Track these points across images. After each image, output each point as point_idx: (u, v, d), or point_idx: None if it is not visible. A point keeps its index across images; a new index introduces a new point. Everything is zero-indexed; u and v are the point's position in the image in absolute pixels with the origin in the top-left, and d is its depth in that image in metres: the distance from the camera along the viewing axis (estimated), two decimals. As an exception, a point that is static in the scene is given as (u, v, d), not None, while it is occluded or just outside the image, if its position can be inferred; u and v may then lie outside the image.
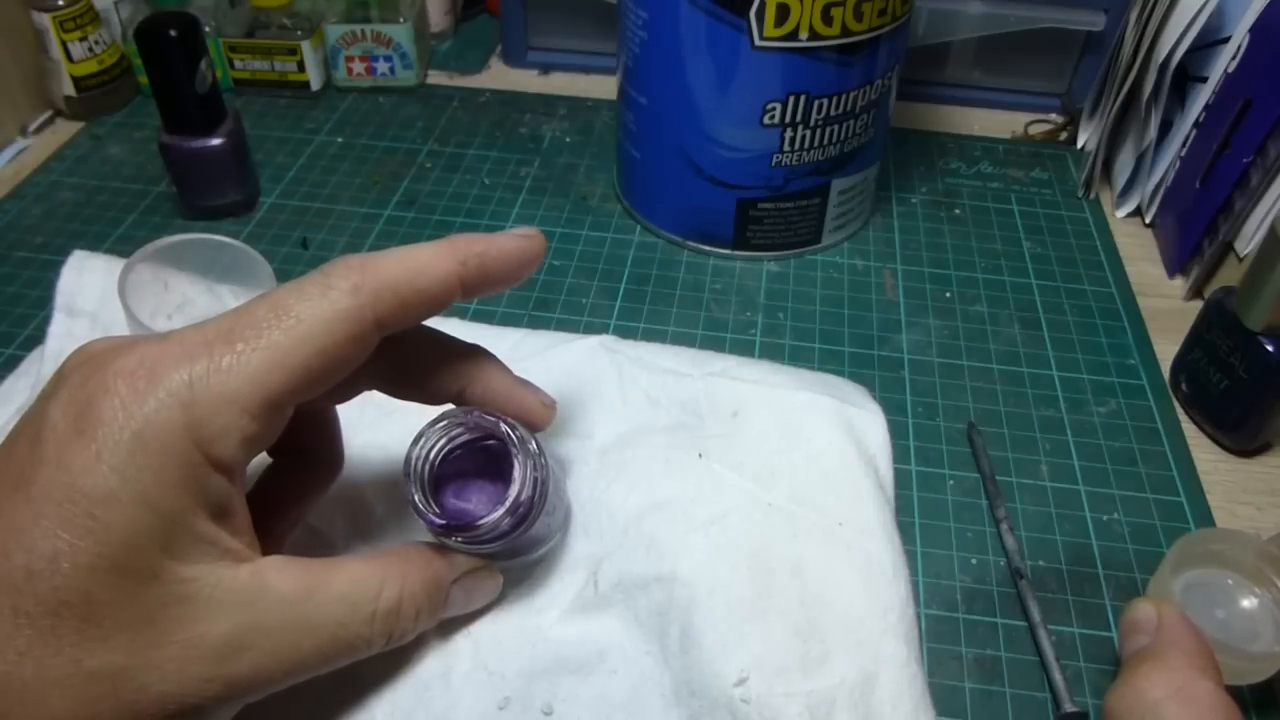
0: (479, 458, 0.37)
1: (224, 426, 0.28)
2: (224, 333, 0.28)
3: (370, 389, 0.36)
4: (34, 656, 0.25)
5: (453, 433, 0.36)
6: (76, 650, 0.26)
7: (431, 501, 0.35)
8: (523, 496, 0.35)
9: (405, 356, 0.35)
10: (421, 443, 0.35)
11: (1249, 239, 0.54)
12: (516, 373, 0.49)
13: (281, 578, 0.30)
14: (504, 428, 0.35)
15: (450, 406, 0.36)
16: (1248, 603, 0.38)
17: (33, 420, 0.27)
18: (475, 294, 0.33)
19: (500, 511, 0.34)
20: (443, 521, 0.34)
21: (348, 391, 0.35)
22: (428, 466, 0.35)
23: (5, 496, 0.26)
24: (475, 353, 0.36)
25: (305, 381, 0.29)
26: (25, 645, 0.25)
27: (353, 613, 0.31)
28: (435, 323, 0.55)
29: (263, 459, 0.36)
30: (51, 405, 0.27)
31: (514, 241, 0.34)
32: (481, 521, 0.34)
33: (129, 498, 0.26)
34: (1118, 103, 0.63)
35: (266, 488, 0.36)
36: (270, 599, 0.29)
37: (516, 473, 0.35)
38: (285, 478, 0.37)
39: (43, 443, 0.26)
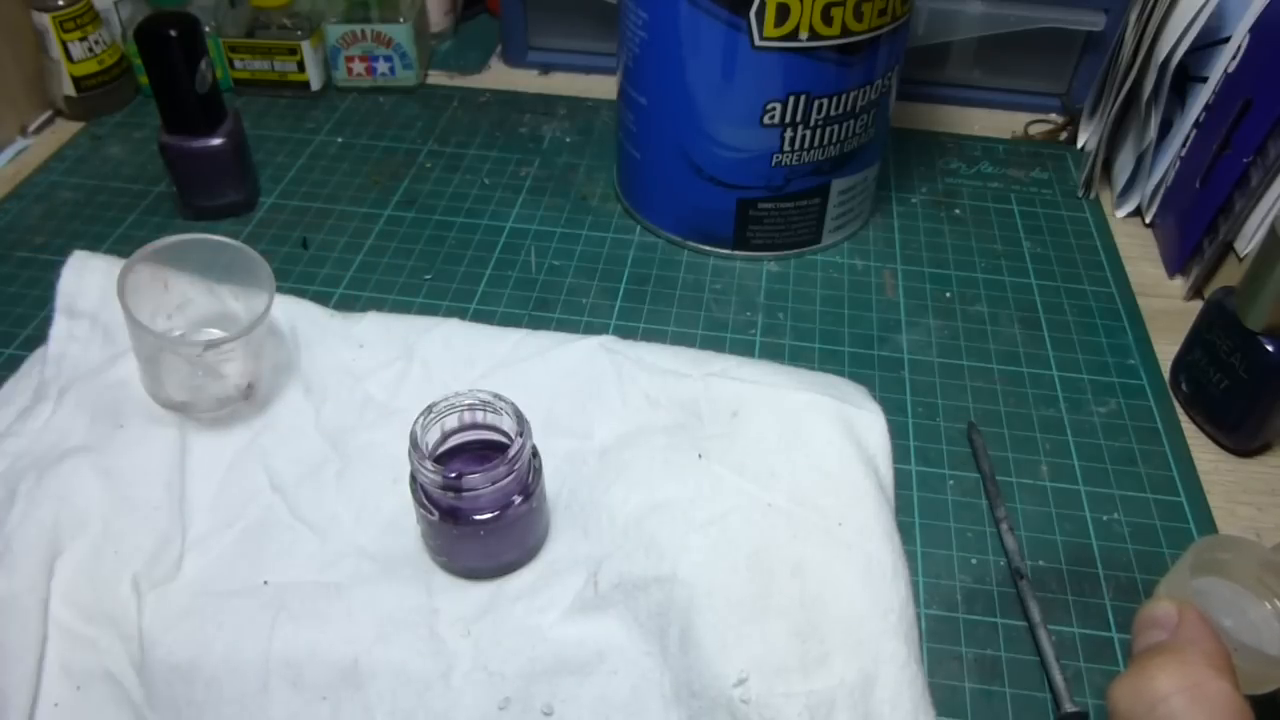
0: (477, 449, 0.41)
1: None
2: None
3: None
4: None
5: (459, 404, 0.40)
6: None
7: (439, 465, 0.38)
8: (522, 456, 0.38)
9: None
10: (430, 416, 0.39)
11: (1249, 239, 0.54)
12: (516, 373, 0.49)
13: None
14: (504, 407, 0.39)
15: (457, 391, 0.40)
16: (1254, 613, 0.38)
17: None
18: None
19: (503, 468, 0.37)
20: (453, 474, 0.37)
21: None
22: (437, 437, 0.40)
23: None
24: None
25: None
26: None
27: None
28: (433, 323, 0.55)
29: None
30: None
31: None
32: (484, 473, 0.37)
33: None
34: (1118, 103, 0.63)
35: None
36: None
37: (515, 442, 0.38)
38: None
39: None
